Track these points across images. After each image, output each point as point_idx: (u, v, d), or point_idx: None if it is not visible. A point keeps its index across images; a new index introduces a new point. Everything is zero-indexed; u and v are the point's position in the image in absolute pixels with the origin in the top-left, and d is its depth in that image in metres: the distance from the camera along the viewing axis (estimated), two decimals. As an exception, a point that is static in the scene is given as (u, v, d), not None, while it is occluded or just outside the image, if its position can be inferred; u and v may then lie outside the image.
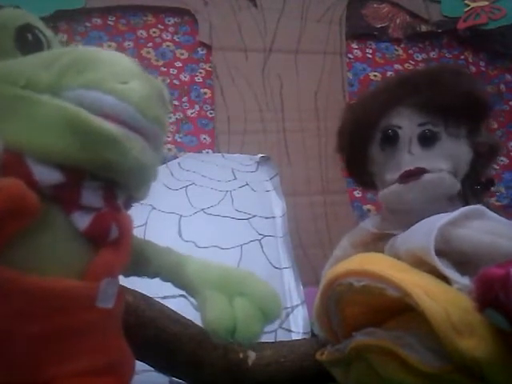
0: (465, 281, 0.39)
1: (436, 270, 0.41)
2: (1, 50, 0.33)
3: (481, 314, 0.34)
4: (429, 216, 0.45)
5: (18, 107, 0.30)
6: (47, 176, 0.30)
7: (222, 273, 0.39)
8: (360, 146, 0.53)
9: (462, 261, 0.42)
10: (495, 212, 0.45)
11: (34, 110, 0.30)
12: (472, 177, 0.51)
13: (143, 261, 0.39)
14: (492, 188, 0.54)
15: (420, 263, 0.42)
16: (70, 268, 0.31)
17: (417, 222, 0.46)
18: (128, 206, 0.37)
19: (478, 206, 0.45)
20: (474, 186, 0.52)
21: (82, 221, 0.31)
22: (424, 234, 0.43)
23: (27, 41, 0.34)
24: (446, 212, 0.44)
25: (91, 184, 0.32)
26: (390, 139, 0.50)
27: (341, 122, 0.56)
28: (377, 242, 0.52)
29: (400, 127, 0.50)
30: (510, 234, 0.41)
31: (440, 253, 0.42)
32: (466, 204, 0.49)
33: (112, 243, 0.33)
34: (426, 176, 0.48)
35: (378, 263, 0.41)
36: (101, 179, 0.32)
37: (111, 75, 0.31)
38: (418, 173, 0.48)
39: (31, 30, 0.34)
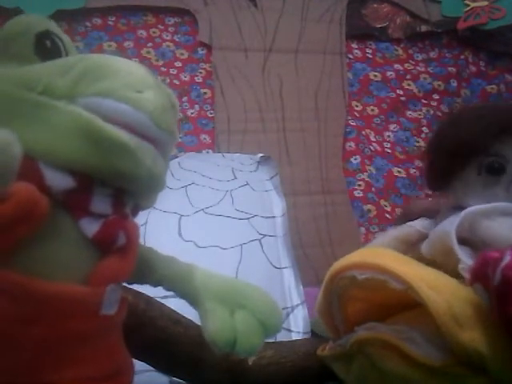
0: (471, 262, 0.39)
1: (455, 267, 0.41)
2: (20, 56, 0.33)
3: (471, 287, 0.35)
4: None
5: (34, 113, 0.30)
6: (59, 181, 0.30)
7: (224, 284, 0.39)
8: (457, 163, 0.50)
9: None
10: None
11: (50, 115, 0.30)
12: None
13: (147, 269, 0.39)
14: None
15: (445, 251, 0.42)
16: (76, 273, 0.31)
17: None
18: (135, 213, 0.37)
19: None
20: None
21: (91, 227, 0.32)
22: (449, 221, 0.44)
23: (46, 47, 0.34)
24: None
25: (101, 191, 0.32)
26: (494, 171, 0.47)
27: (441, 134, 0.53)
28: (418, 244, 0.51)
29: (508, 161, 0.47)
30: None
31: (464, 241, 0.42)
32: None
33: (118, 250, 0.33)
34: None
35: (381, 256, 0.41)
36: (110, 186, 0.32)
37: (126, 84, 0.31)
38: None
39: (50, 37, 0.34)
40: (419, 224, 0.53)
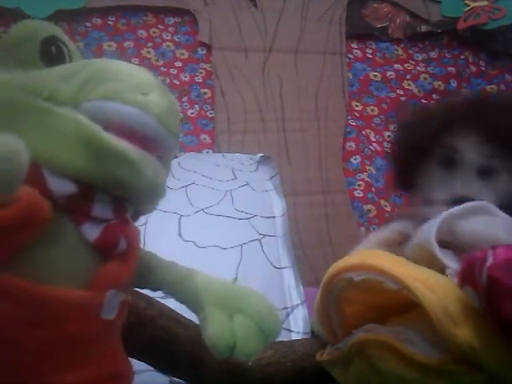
0: (456, 266, 0.39)
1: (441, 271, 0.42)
2: (26, 62, 0.33)
3: (461, 290, 0.36)
4: None
5: (39, 119, 0.30)
6: (61, 187, 0.30)
7: (222, 289, 0.39)
8: (417, 157, 0.53)
9: (465, 251, 0.43)
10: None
11: (53, 122, 0.30)
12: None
13: (147, 273, 0.39)
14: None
15: (429, 256, 0.43)
16: (77, 278, 0.31)
17: None
18: (136, 218, 0.38)
19: (484, 203, 0.46)
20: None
21: (92, 232, 0.32)
22: (430, 225, 0.44)
23: (51, 53, 0.34)
24: None
25: (103, 196, 0.32)
26: (450, 161, 0.51)
27: (403, 127, 0.57)
28: (402, 245, 0.52)
29: (463, 152, 0.50)
30: (508, 227, 0.43)
31: (446, 245, 0.43)
32: None
33: (119, 255, 0.33)
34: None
35: (378, 258, 0.42)
36: (111, 193, 0.32)
37: (131, 86, 0.31)
38: (465, 201, 0.47)
39: (55, 43, 0.34)
40: (398, 225, 0.55)
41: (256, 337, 0.37)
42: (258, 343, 0.37)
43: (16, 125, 0.30)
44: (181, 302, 0.40)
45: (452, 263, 0.42)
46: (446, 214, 0.44)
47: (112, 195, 0.33)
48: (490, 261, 0.32)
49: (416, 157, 0.53)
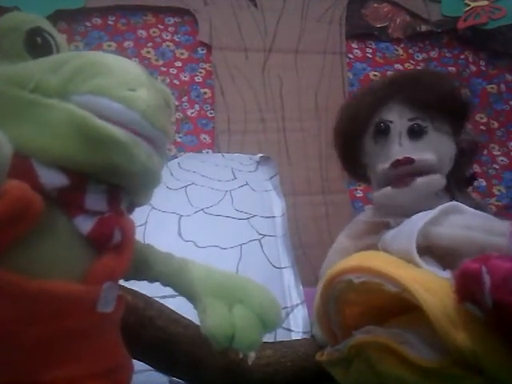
0: (447, 275, 0.39)
1: None
2: (11, 54, 0.33)
3: (461, 305, 0.36)
4: (417, 208, 0.48)
5: (26, 111, 0.30)
6: (52, 179, 0.30)
7: (222, 280, 0.39)
8: (354, 140, 0.58)
9: (444, 254, 0.44)
10: (476, 205, 0.49)
11: (43, 113, 0.30)
12: (456, 173, 0.56)
13: (144, 266, 0.39)
14: (474, 183, 0.61)
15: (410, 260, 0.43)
16: (72, 271, 0.31)
17: (406, 213, 0.49)
18: (131, 210, 0.37)
19: (454, 203, 0.47)
20: (459, 182, 0.57)
21: (85, 224, 0.32)
22: (406, 236, 0.45)
23: (37, 44, 0.34)
24: (433, 205, 0.47)
25: (96, 188, 0.32)
26: (382, 132, 0.55)
27: (336, 121, 0.61)
28: (371, 234, 0.55)
29: (391, 121, 0.55)
30: (482, 225, 0.44)
31: (424, 249, 0.44)
32: (452, 197, 0.52)
33: (114, 247, 0.33)
34: (418, 180, 0.52)
35: (377, 260, 0.42)
36: (105, 183, 0.32)
37: (119, 82, 0.31)
38: (406, 162, 0.52)
39: (41, 34, 0.34)
40: (363, 216, 0.60)
41: (256, 327, 0.37)
42: (258, 334, 0.37)
43: (2, 118, 0.30)
44: (179, 294, 0.40)
45: (437, 271, 0.42)
46: (419, 226, 0.44)
47: (106, 185, 0.32)
48: (487, 280, 0.32)
49: (355, 141, 0.58)
